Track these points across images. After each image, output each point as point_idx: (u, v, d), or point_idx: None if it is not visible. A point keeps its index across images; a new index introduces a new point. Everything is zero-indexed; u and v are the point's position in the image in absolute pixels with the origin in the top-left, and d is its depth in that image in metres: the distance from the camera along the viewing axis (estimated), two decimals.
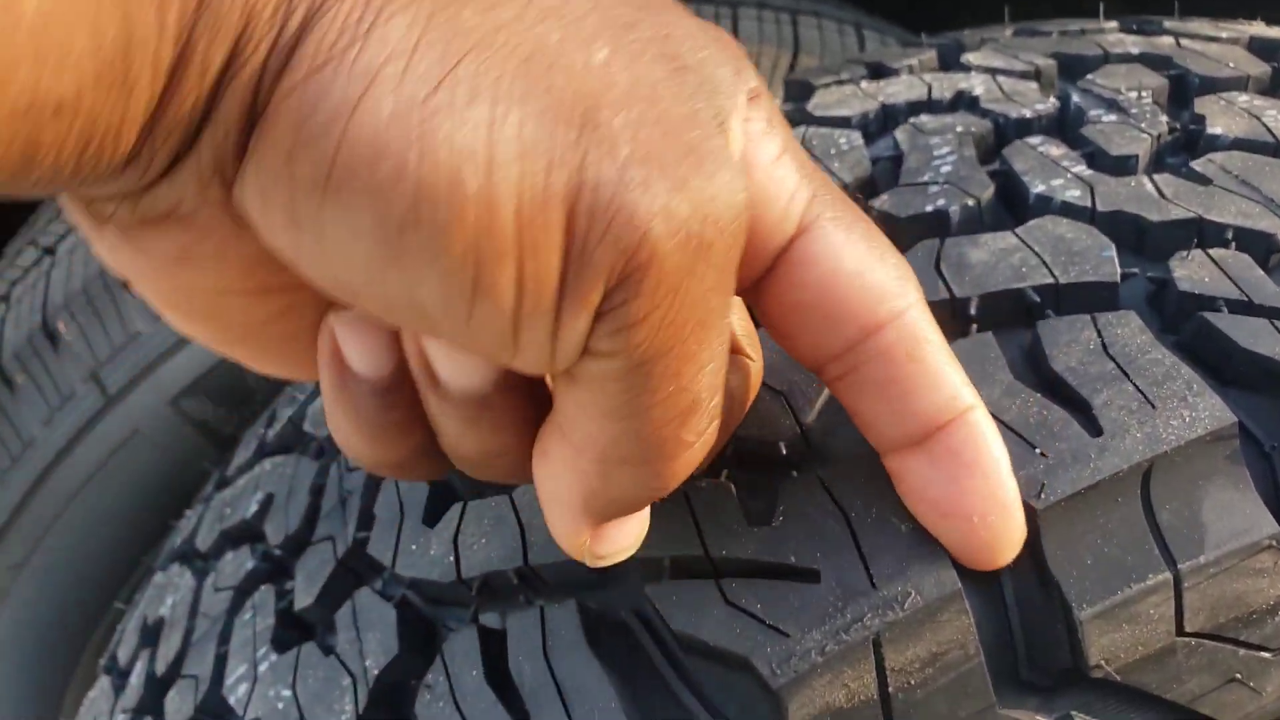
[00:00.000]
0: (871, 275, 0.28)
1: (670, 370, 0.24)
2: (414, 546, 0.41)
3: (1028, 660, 0.33)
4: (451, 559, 0.39)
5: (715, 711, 0.33)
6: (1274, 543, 0.32)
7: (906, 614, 0.31)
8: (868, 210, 0.43)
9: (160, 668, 0.48)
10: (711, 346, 0.25)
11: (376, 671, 0.38)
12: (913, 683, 0.32)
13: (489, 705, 0.35)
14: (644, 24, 0.24)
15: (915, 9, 1.32)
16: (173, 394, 0.77)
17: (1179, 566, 0.32)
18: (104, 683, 0.54)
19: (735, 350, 0.31)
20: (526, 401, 0.29)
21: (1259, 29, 0.57)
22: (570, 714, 0.33)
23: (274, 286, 0.26)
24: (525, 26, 0.21)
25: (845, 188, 0.45)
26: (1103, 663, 0.32)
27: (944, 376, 0.29)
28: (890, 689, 0.32)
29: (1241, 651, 0.34)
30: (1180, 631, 0.33)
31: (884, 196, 0.43)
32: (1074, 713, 0.34)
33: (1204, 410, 0.33)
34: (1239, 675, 0.34)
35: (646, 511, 0.32)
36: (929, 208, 0.42)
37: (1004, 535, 0.30)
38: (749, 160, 0.26)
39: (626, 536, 0.31)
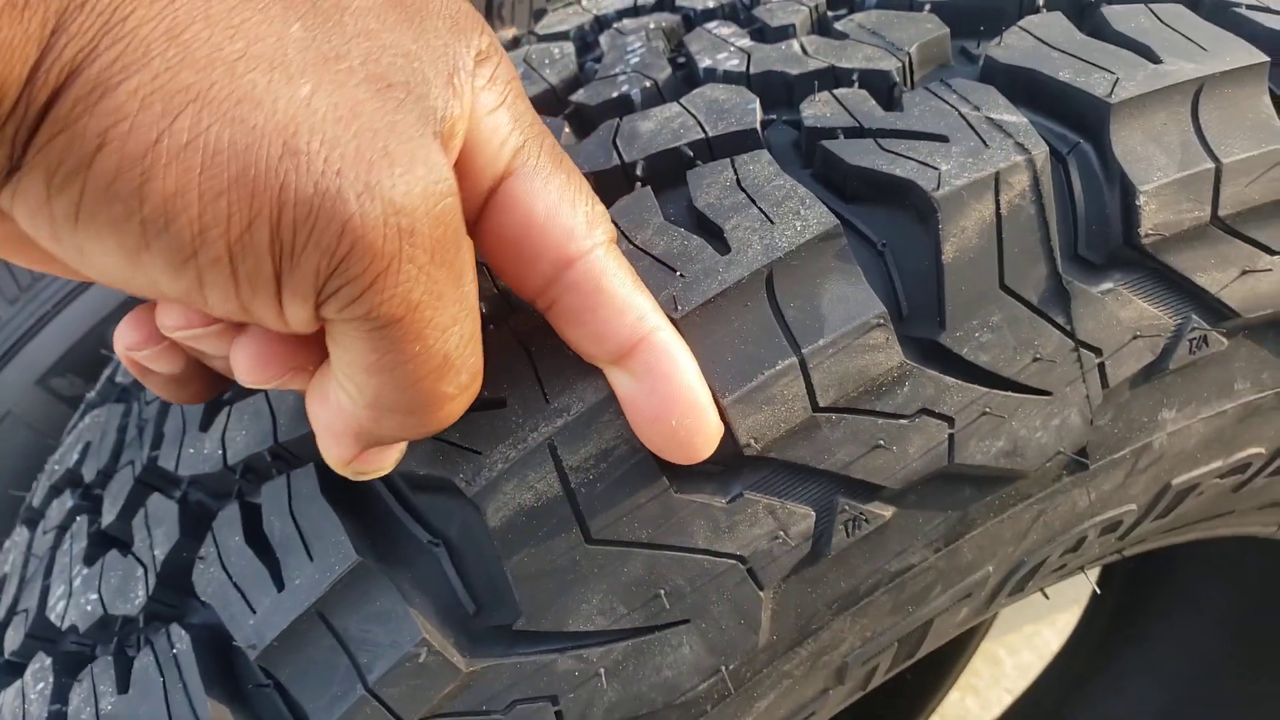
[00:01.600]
0: (561, 218, 0.33)
1: (411, 333, 0.28)
2: (191, 450, 0.45)
3: None
4: (220, 452, 0.44)
5: (437, 533, 0.39)
6: (882, 320, 0.38)
7: (573, 418, 0.37)
8: (567, 105, 0.48)
9: (1, 614, 0.52)
10: (447, 311, 0.29)
11: (163, 557, 0.43)
12: (592, 478, 0.37)
13: (248, 561, 0.40)
14: (353, 53, 0.27)
15: None
16: (39, 374, 0.80)
17: (802, 350, 0.38)
18: None
19: None
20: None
21: None
22: (310, 554, 0.38)
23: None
24: (236, 77, 0.25)
25: (553, 89, 0.50)
26: (752, 441, 0.38)
27: (629, 304, 0.34)
28: (572, 485, 0.37)
29: (880, 420, 0.40)
30: (816, 408, 0.38)
31: (580, 91, 0.48)
32: (746, 491, 0.39)
33: (812, 218, 0.38)
34: (882, 441, 0.40)
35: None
36: (615, 94, 0.47)
37: (700, 432, 0.35)
38: (471, 113, 0.31)
39: (388, 458, 0.36)
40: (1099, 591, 1.28)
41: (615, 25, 0.53)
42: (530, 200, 0.32)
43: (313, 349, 0.33)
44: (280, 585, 0.39)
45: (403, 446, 0.36)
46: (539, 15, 0.59)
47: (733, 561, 0.40)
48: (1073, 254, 0.42)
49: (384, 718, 0.38)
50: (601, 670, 0.39)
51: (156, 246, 0.25)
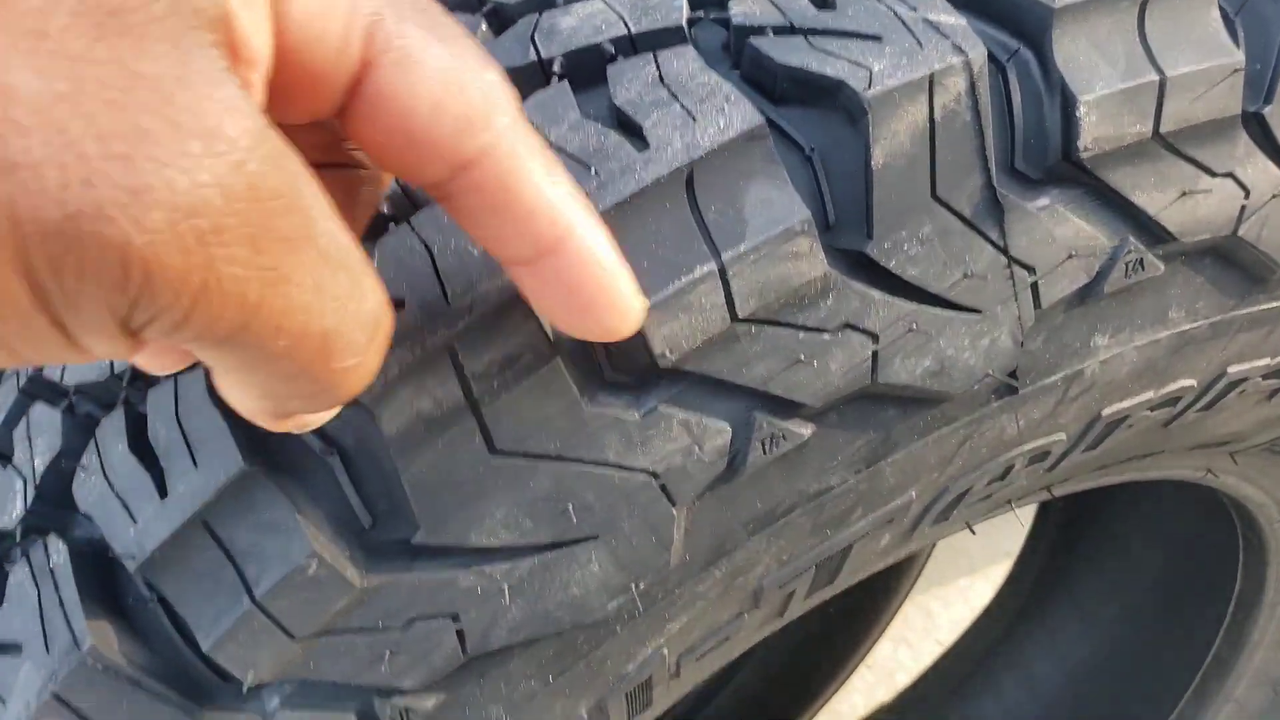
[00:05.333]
0: (452, 108, 0.25)
1: (266, 331, 0.22)
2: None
3: (608, 360, 0.37)
4: (108, 360, 0.41)
5: (331, 441, 0.36)
6: (806, 227, 0.36)
7: (475, 320, 0.34)
8: (485, 2, 0.45)
9: None
10: (304, 285, 0.22)
11: (42, 468, 0.40)
12: (495, 386, 0.35)
13: (131, 470, 0.37)
14: None
15: None
16: None
17: (722, 256, 0.36)
18: None
19: (352, 164, 0.31)
20: None
21: None
22: (196, 461, 0.36)
23: None
24: None
25: None
26: (667, 352, 0.36)
27: (539, 203, 0.28)
28: (475, 394, 0.35)
29: (801, 334, 0.38)
30: (735, 318, 0.37)
31: None
32: (660, 405, 0.37)
33: (737, 116, 0.36)
34: (802, 357, 0.38)
35: None
36: None
37: (619, 324, 0.31)
38: None
39: (316, 419, 0.32)
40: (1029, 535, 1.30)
41: None
42: (407, 95, 0.25)
43: None
44: (164, 494, 0.36)
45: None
46: None
47: (645, 477, 0.38)
48: (1009, 167, 0.40)
49: (272, 632, 0.36)
50: (506, 587, 0.38)
51: None
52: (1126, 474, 0.62)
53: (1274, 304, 0.48)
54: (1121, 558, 1.19)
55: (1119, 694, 1.17)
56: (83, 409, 0.42)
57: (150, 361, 0.27)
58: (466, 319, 0.34)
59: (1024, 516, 1.39)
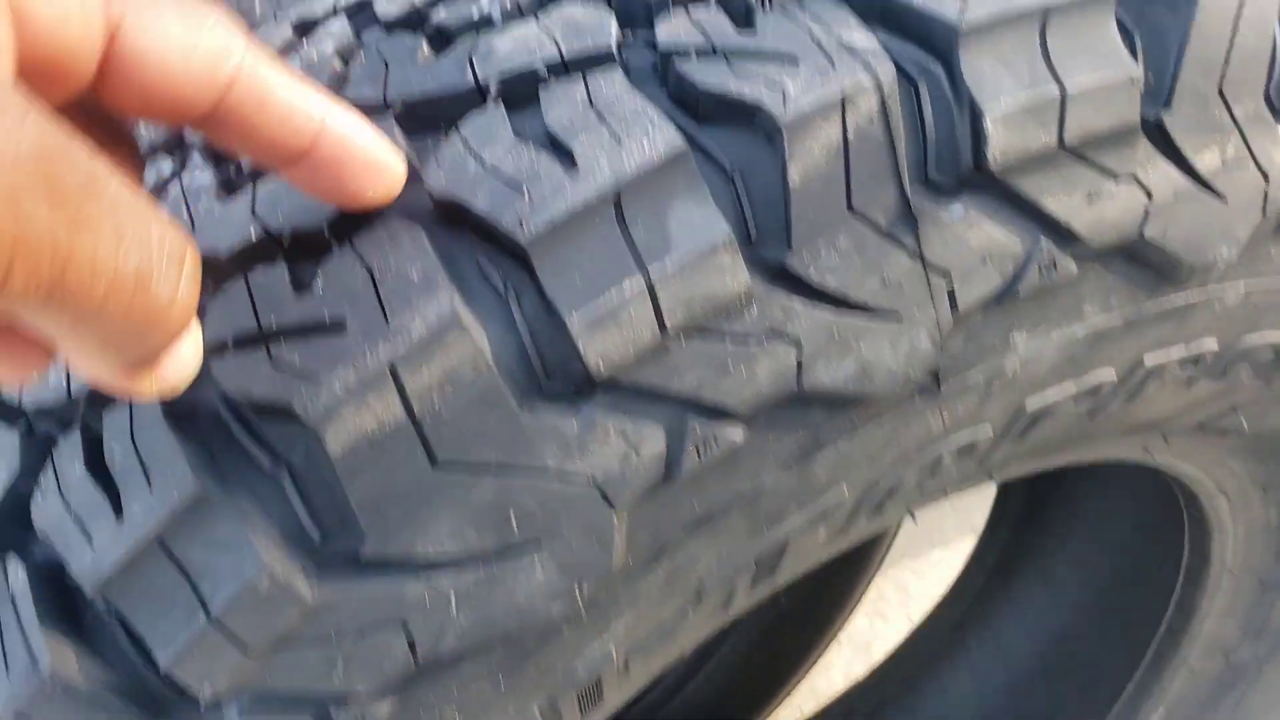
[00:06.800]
0: (198, 49, 0.29)
1: (84, 278, 0.24)
2: (37, 380, 0.44)
3: (544, 373, 0.39)
4: (64, 382, 0.42)
5: (280, 459, 0.38)
6: (728, 242, 0.38)
7: (415, 340, 0.36)
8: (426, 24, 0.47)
9: None
10: (106, 235, 0.24)
11: (1, 490, 0.41)
12: (436, 403, 0.37)
13: (88, 491, 0.39)
14: None
15: None
16: None
17: (650, 272, 0.38)
18: None
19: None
20: None
21: None
22: (150, 482, 0.37)
23: None
24: None
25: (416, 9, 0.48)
26: (600, 364, 0.38)
27: (295, 102, 0.32)
28: (416, 412, 0.37)
29: (728, 344, 0.40)
30: (664, 330, 0.38)
31: (440, 10, 0.47)
32: (596, 414, 0.39)
33: (660, 139, 0.38)
34: (730, 365, 0.40)
35: (195, 336, 0.33)
36: (475, 15, 0.46)
37: (390, 184, 0.36)
38: None
39: (180, 369, 0.32)
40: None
41: None
42: (156, 48, 0.29)
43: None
44: (120, 514, 0.38)
45: (196, 347, 0.33)
46: None
47: (585, 484, 0.40)
48: (923, 178, 0.42)
49: (228, 647, 0.37)
50: (453, 596, 0.39)
51: None
52: (1065, 458, 0.64)
53: (1183, 297, 0.50)
54: (1083, 531, 1.22)
55: (1083, 662, 1.21)
56: (40, 430, 0.43)
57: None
58: (409, 339, 0.36)
59: (991, 491, 1.42)
